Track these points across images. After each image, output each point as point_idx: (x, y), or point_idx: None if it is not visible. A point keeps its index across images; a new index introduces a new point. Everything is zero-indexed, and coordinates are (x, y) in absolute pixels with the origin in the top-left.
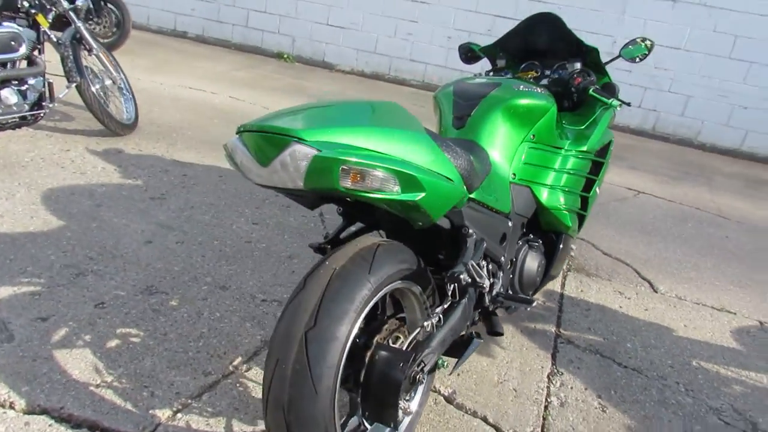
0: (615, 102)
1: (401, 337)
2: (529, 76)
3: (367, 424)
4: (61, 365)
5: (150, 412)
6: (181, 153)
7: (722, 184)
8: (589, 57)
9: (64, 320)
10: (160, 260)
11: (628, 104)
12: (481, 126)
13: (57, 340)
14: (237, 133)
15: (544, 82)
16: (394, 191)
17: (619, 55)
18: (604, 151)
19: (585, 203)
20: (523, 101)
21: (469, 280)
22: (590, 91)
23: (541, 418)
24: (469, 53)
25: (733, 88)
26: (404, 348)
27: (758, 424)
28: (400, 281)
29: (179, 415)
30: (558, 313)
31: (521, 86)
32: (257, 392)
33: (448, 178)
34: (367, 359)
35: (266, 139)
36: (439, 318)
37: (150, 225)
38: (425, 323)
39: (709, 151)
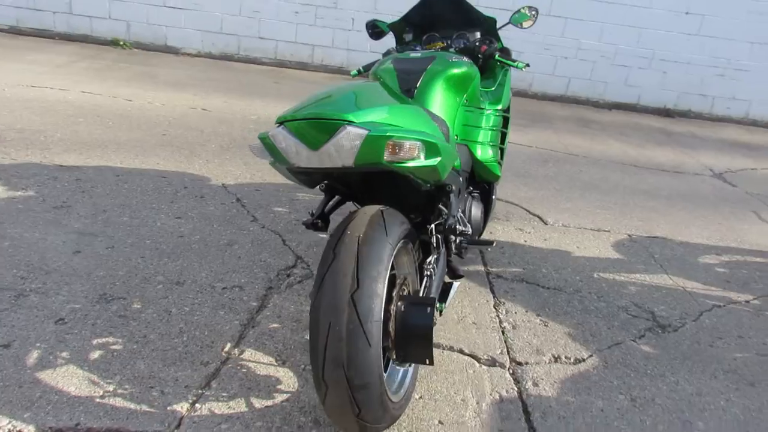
0: (521, 64)
1: (406, 289)
2: (438, 46)
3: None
4: (53, 385)
5: (168, 408)
6: (61, 157)
7: (562, 127)
8: (486, 26)
9: (29, 343)
10: (99, 267)
11: (528, 65)
12: (428, 95)
13: (34, 363)
14: (278, 123)
15: (451, 50)
16: (421, 159)
17: (509, 22)
18: (508, 107)
19: (502, 154)
20: (458, 70)
21: (459, 229)
22: (497, 56)
23: (503, 342)
24: (375, 29)
25: (554, 41)
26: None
27: (655, 312)
28: (403, 240)
29: (197, 405)
30: (480, 255)
31: (453, 57)
32: (261, 370)
33: (447, 143)
34: (396, 311)
35: (317, 125)
36: (433, 268)
37: (69, 235)
38: (416, 276)
39: (541, 99)
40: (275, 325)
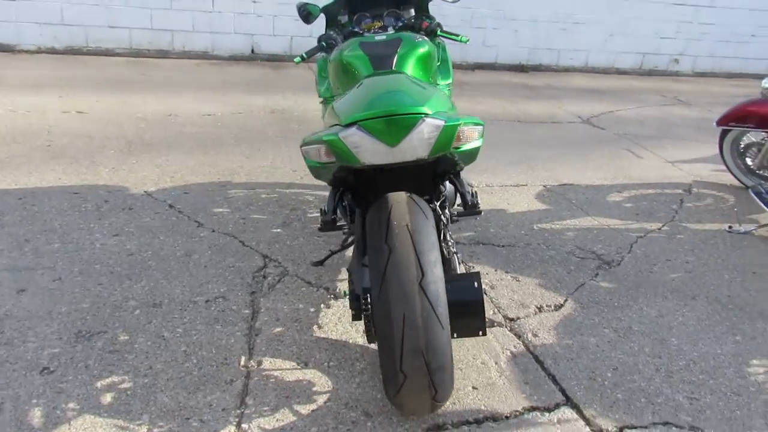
0: (464, 38)
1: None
2: (376, 26)
3: None
4: None
5: None
6: None
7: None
8: (418, 2)
9: (22, 402)
10: (57, 303)
11: (469, 40)
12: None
13: (40, 424)
14: (348, 125)
15: (391, 30)
16: (476, 141)
17: None
18: None
19: None
20: (424, 50)
21: (473, 201)
22: (439, 32)
23: (491, 302)
24: (306, 12)
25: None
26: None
27: (596, 251)
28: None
29: (244, 425)
30: None
31: (417, 37)
32: (288, 376)
33: None
34: (449, 290)
35: (397, 122)
36: (452, 244)
37: (1, 273)
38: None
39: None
40: (279, 329)
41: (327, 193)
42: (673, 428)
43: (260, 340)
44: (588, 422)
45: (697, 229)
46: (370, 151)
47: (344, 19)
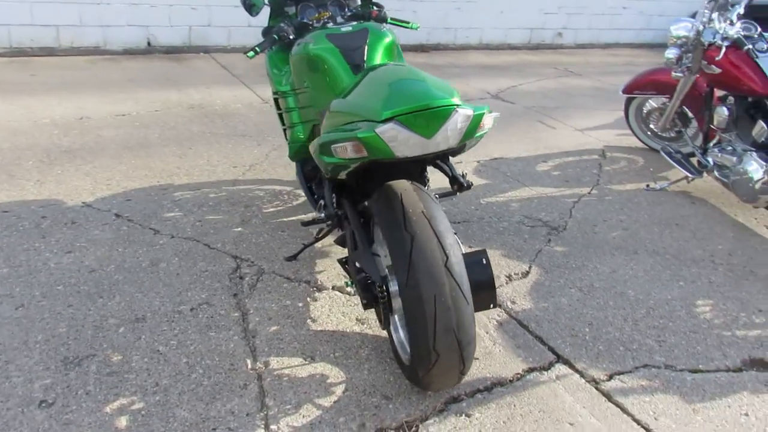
0: (415, 24)
1: None
2: (325, 16)
3: None
4: None
5: None
6: None
7: None
8: None
9: None
10: (30, 332)
11: (418, 27)
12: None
13: None
14: (385, 120)
15: (340, 19)
16: (490, 127)
17: None
18: None
19: None
20: (389, 39)
21: (466, 184)
22: (389, 20)
23: None
24: (250, 3)
25: None
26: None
27: (542, 218)
28: None
29: (273, 426)
30: None
31: (382, 27)
32: (300, 372)
33: None
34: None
35: (431, 114)
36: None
37: None
38: None
39: None
40: (274, 328)
41: (276, 187)
42: (652, 369)
43: (259, 341)
44: (582, 374)
45: (620, 190)
46: (406, 144)
47: (292, 10)
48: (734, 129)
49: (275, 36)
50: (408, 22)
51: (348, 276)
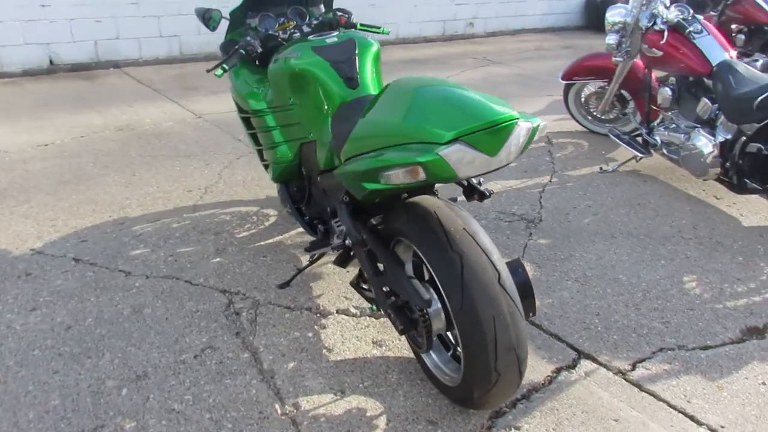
0: (386, 29)
1: None
2: (291, 26)
3: None
4: None
5: None
6: None
7: None
8: None
9: None
10: (19, 411)
11: (389, 32)
12: (369, 79)
13: None
14: (448, 142)
15: (306, 28)
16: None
17: None
18: None
19: None
20: (376, 48)
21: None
22: (359, 26)
23: None
24: (208, 18)
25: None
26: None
27: (516, 212)
28: None
29: None
30: None
31: (365, 36)
32: (333, 410)
33: None
34: None
35: (498, 131)
36: None
37: None
38: None
39: (190, 61)
40: (291, 364)
41: (241, 209)
42: (668, 352)
43: (280, 381)
44: (607, 367)
45: (577, 175)
46: (470, 164)
47: (254, 21)
48: (677, 108)
49: (242, 50)
50: (379, 27)
51: (369, 301)
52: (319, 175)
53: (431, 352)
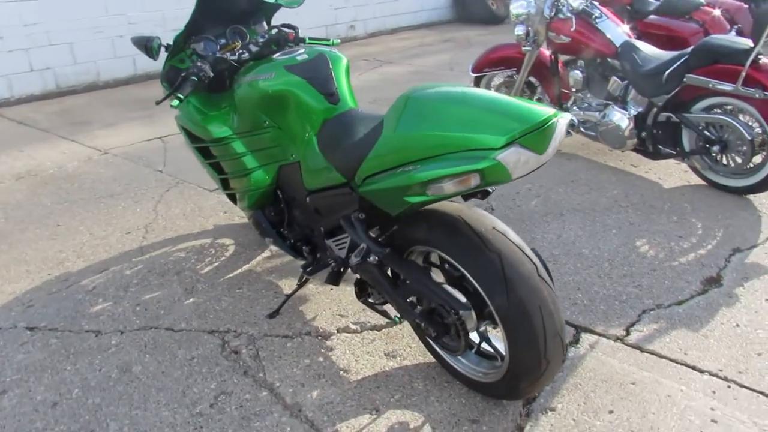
0: (336, 41)
1: None
2: (237, 47)
3: None
4: None
5: None
6: None
7: None
8: (268, 12)
9: None
10: None
11: (339, 42)
12: (348, 93)
13: None
14: (503, 147)
15: (254, 47)
16: None
17: (279, 4)
18: None
19: None
20: (347, 61)
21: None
22: (307, 40)
23: None
24: (149, 47)
25: (105, 23)
26: None
27: None
28: None
29: None
30: None
31: (332, 50)
32: (378, 427)
33: None
34: None
35: (546, 129)
36: None
37: None
38: None
39: (113, 87)
40: (315, 393)
41: (193, 243)
42: (651, 312)
43: (311, 413)
44: (605, 336)
45: None
46: (525, 164)
47: (200, 46)
48: (587, 88)
49: (194, 77)
50: (328, 40)
51: (381, 314)
52: (308, 195)
53: (458, 354)
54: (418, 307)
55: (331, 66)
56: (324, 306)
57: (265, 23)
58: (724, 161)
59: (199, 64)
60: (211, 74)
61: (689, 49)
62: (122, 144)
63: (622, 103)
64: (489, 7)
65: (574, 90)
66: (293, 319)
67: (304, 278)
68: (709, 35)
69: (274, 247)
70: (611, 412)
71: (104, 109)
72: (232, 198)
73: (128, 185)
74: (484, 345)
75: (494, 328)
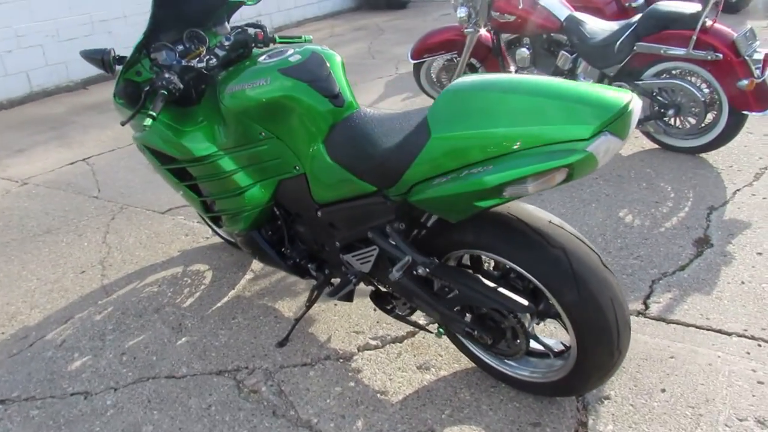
0: (308, 36)
1: None
2: (201, 52)
3: None
4: None
5: None
6: None
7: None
8: (221, 12)
9: None
10: None
11: (311, 38)
12: (350, 91)
13: None
14: (596, 135)
15: (220, 51)
16: None
17: (241, 2)
18: None
19: None
20: (341, 57)
21: None
22: (277, 39)
23: None
24: (102, 61)
25: None
26: None
27: None
28: None
29: None
30: None
31: (323, 47)
32: None
33: None
34: None
35: (627, 115)
36: None
37: None
38: None
39: (8, 108)
40: (359, 423)
41: (162, 275)
42: (660, 282)
43: None
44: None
45: None
46: (611, 151)
47: (161, 55)
48: (534, 65)
49: (163, 91)
50: (299, 37)
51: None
52: (320, 209)
53: (506, 359)
54: (468, 315)
55: (328, 65)
56: (335, 325)
57: (227, 24)
58: (678, 124)
59: (167, 75)
60: (181, 86)
61: (636, 18)
62: (41, 171)
63: (572, 76)
64: None
65: (520, 67)
66: (306, 344)
67: (315, 298)
68: (621, 5)
69: (256, 268)
70: (663, 390)
71: (6, 134)
72: (215, 221)
73: (64, 218)
74: (533, 344)
75: (537, 324)
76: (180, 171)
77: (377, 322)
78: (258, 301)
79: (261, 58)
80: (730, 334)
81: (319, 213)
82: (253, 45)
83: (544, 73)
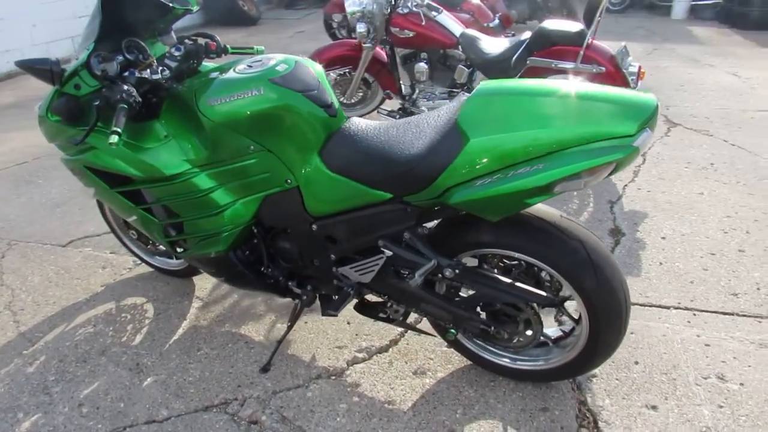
0: (260, 48)
1: None
2: (151, 63)
3: None
4: None
5: None
6: None
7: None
8: (174, 17)
9: None
10: None
11: (264, 50)
12: (338, 102)
13: None
14: (636, 133)
15: (172, 62)
16: None
17: (189, 10)
18: None
19: None
20: (321, 67)
21: None
22: (230, 49)
23: None
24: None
25: None
26: None
27: None
28: None
29: None
30: None
31: (301, 56)
32: None
33: None
34: None
35: (655, 111)
36: None
37: None
38: None
39: None
40: None
41: (94, 312)
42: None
43: None
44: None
45: None
46: (647, 144)
47: (111, 67)
48: (431, 79)
49: (124, 105)
50: (252, 48)
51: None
52: (315, 222)
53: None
54: (483, 313)
55: (314, 74)
56: (314, 342)
57: (173, 34)
58: None
59: (125, 87)
60: (140, 99)
61: (526, 35)
62: None
63: (468, 89)
64: (240, 8)
65: (417, 81)
66: (291, 365)
67: (297, 316)
68: (478, 23)
69: (202, 294)
70: (637, 363)
71: None
72: (172, 245)
73: None
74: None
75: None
76: (135, 194)
77: (356, 335)
78: (219, 328)
79: (239, 68)
80: (668, 308)
81: (314, 227)
82: (204, 56)
83: (441, 86)
